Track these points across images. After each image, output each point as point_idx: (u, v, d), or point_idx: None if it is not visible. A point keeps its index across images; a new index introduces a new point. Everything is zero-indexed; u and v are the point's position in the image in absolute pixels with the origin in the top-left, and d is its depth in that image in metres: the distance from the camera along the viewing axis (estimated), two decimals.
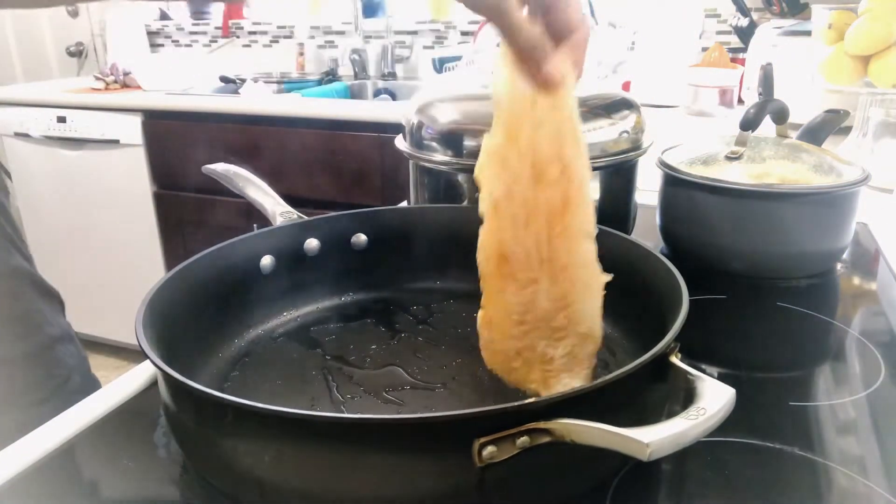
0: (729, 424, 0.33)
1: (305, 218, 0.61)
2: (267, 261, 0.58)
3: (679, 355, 0.40)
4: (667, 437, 0.31)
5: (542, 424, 0.33)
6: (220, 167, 0.68)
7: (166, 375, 0.38)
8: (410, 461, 0.35)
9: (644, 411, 0.41)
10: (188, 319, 0.50)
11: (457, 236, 0.64)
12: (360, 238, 0.63)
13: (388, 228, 0.64)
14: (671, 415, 0.33)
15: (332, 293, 0.63)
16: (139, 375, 0.53)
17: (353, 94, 2.29)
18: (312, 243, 0.61)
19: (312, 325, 0.60)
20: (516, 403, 0.34)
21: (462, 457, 0.33)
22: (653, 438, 0.31)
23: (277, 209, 0.62)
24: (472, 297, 0.50)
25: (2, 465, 0.43)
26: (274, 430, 0.35)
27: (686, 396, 0.36)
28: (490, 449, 0.33)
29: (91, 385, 0.74)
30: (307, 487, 0.36)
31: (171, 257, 2.13)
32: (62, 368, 0.70)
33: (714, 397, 0.34)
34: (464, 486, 0.35)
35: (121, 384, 0.52)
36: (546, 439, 0.33)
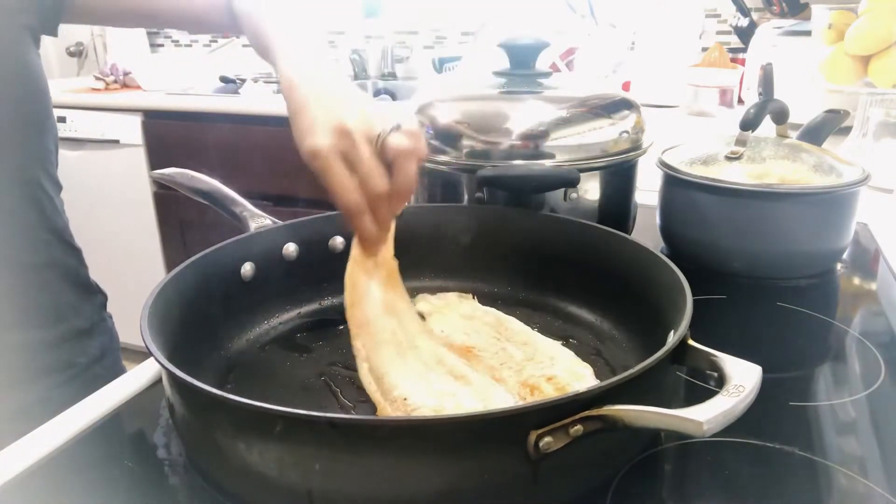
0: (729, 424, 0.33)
1: (279, 222, 0.60)
2: (248, 268, 0.57)
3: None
4: (719, 414, 0.33)
5: (595, 412, 0.34)
6: (171, 171, 0.64)
7: (214, 394, 0.36)
8: (464, 458, 0.35)
9: (666, 393, 0.43)
10: (178, 333, 0.48)
11: (430, 236, 0.64)
12: (337, 241, 0.62)
13: None
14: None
15: (310, 298, 0.62)
16: (139, 376, 0.53)
17: None
18: (290, 248, 0.59)
19: (297, 331, 0.58)
20: (570, 394, 0.35)
21: (516, 449, 0.34)
22: (707, 416, 0.32)
23: (248, 214, 0.61)
24: None
25: (2, 464, 0.43)
26: (326, 436, 0.34)
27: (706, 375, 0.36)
28: (547, 440, 0.34)
29: (114, 377, 0.75)
30: (355, 492, 0.35)
31: (170, 257, 2.13)
32: (83, 358, 0.70)
33: (744, 374, 0.36)
34: (518, 477, 0.35)
35: (121, 384, 0.52)
36: (597, 426, 0.35)
